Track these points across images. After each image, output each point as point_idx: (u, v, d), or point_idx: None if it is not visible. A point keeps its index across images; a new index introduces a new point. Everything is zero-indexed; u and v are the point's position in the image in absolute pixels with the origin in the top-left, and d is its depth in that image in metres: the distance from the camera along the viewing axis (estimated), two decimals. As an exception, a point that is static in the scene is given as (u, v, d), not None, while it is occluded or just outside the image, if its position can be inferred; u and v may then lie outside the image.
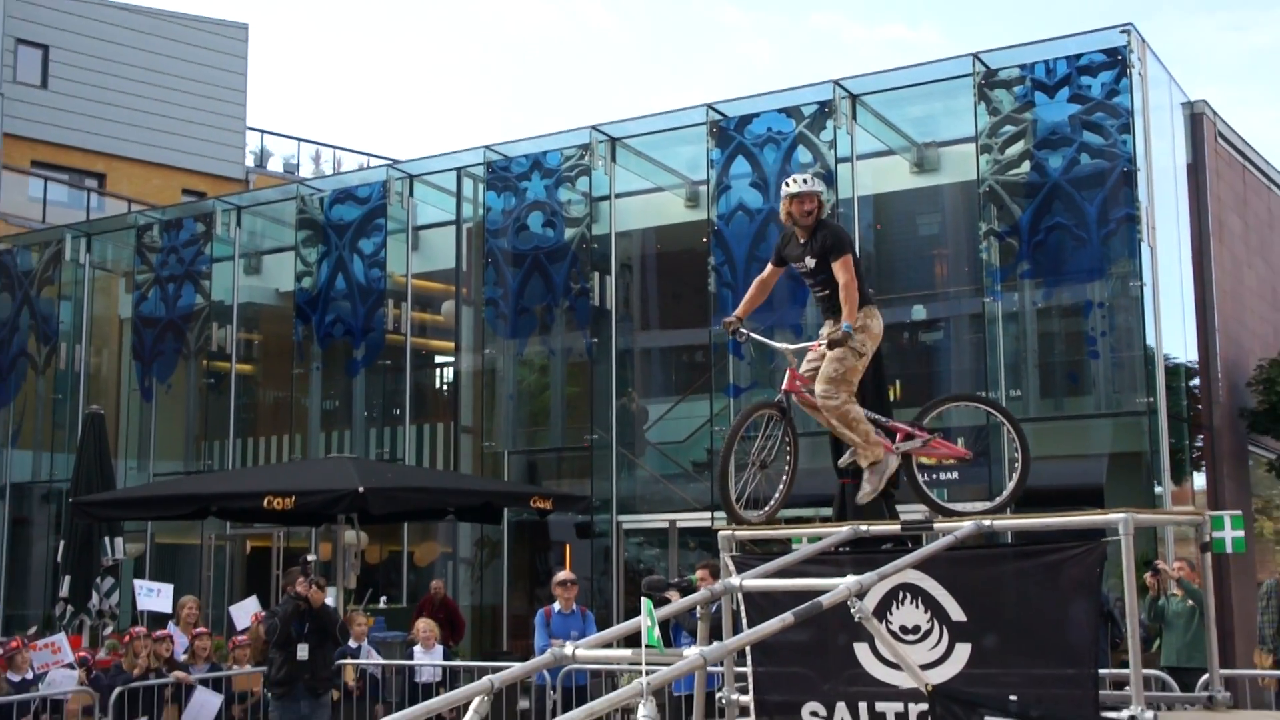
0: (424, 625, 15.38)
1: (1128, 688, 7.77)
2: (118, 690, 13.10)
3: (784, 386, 9.07)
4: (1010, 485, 9.22)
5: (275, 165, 40.59)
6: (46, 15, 34.25)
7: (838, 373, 8.75)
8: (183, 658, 14.76)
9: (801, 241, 9.09)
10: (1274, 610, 14.46)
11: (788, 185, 9.04)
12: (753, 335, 9.49)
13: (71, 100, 34.18)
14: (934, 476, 9.45)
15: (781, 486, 9.08)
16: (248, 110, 38.02)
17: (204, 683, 13.89)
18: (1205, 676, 9.42)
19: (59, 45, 34.36)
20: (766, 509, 9.03)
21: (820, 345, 8.87)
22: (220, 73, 36.86)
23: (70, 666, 14.19)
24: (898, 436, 9.09)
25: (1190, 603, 14.40)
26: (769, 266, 9.48)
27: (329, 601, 14.47)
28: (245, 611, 16.55)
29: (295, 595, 12.57)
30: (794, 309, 18.66)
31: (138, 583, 13.96)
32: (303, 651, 11.88)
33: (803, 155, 19.36)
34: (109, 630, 17.80)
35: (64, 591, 18.47)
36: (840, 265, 8.81)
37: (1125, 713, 7.49)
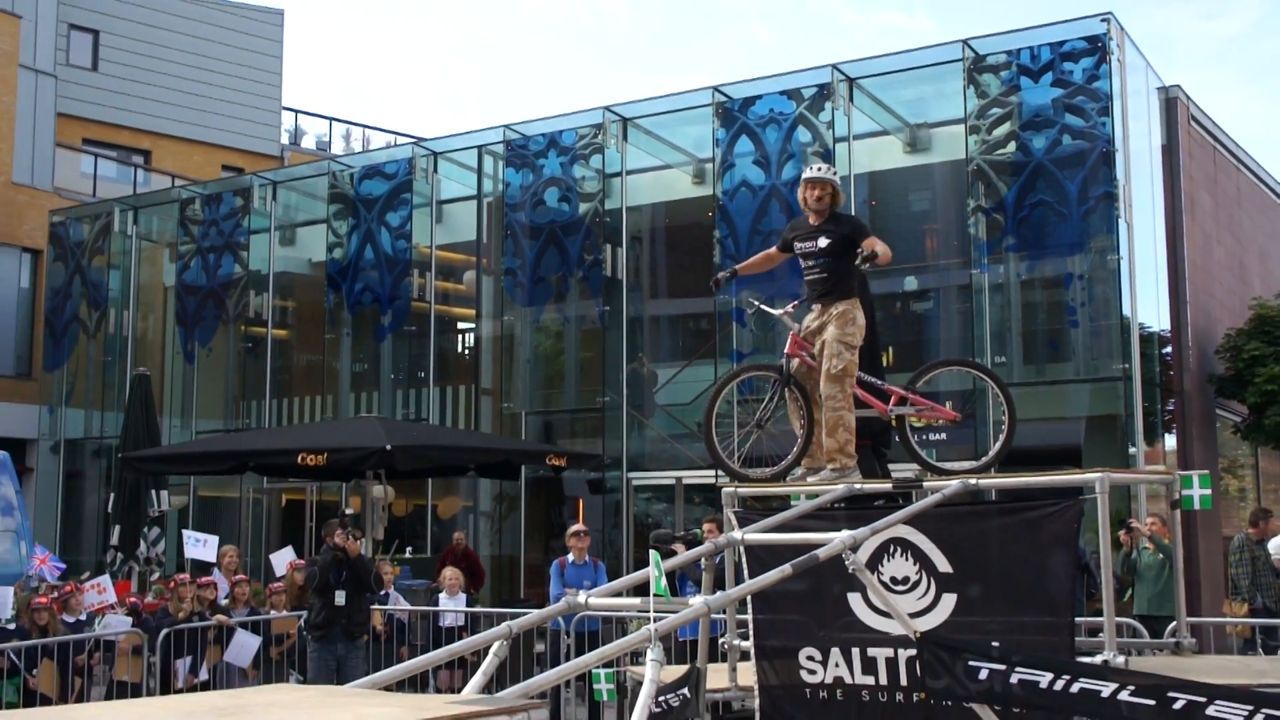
0: (450, 573, 15.39)
1: (1102, 635, 7.79)
2: (164, 632, 13.16)
3: (786, 350, 9.06)
4: (997, 445, 9.14)
5: (308, 143, 40.52)
6: (97, 2, 34.22)
7: (838, 369, 8.75)
8: (224, 602, 14.84)
9: (813, 224, 9.10)
10: (1247, 562, 14.47)
11: (807, 170, 9.13)
12: (761, 306, 9.47)
13: (120, 82, 34.15)
14: (923, 437, 9.41)
15: (798, 445, 9.04)
16: (283, 91, 37.96)
17: (243, 625, 13.95)
18: (1173, 624, 9.45)
19: (109, 30, 34.32)
20: (780, 465, 9.02)
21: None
22: (257, 56, 36.79)
23: (112, 608, 14.24)
24: (892, 399, 9.08)
25: (1161, 556, 14.41)
26: (775, 249, 9.52)
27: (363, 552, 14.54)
28: (282, 559, 16.60)
29: (334, 546, 12.60)
30: (793, 279, 18.61)
31: (186, 533, 14.03)
32: (340, 598, 11.94)
33: (802, 135, 19.32)
34: (155, 576, 17.86)
35: (114, 540, 18.56)
36: (868, 242, 8.77)
37: (1099, 657, 7.51)
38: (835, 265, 8.92)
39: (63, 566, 17.69)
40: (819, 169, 9.17)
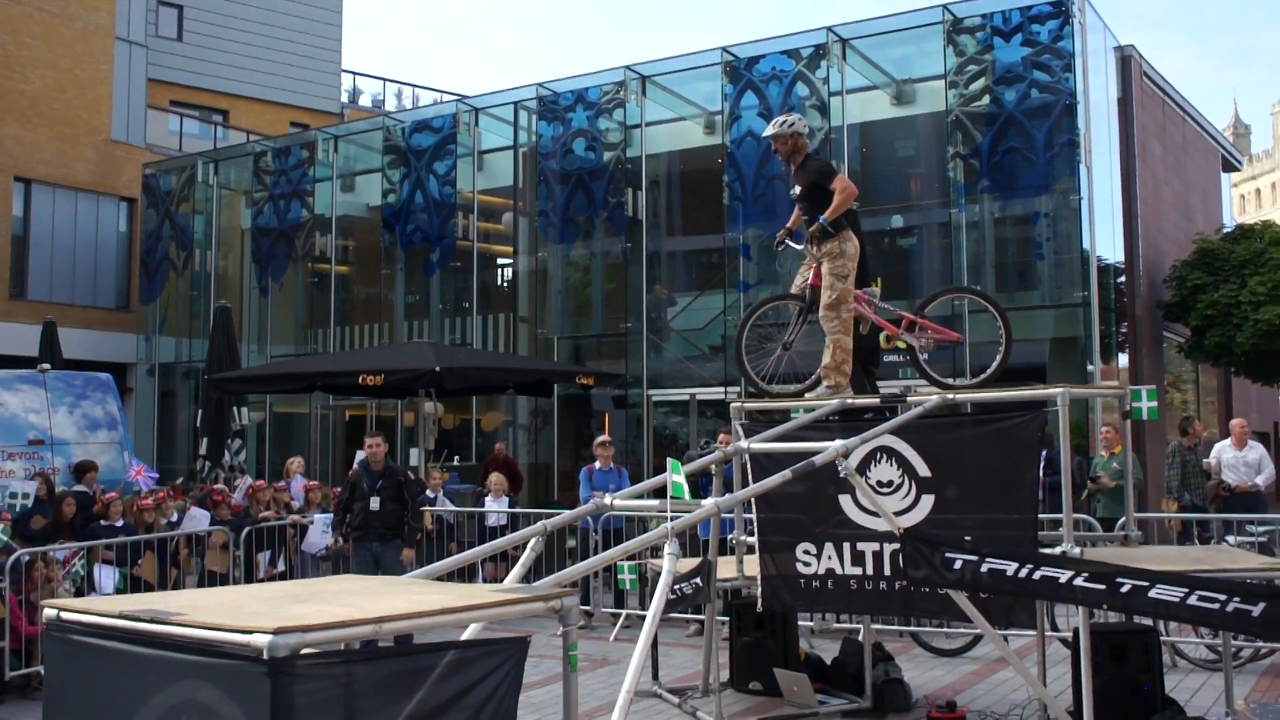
0: (496, 479, 15.39)
1: (1061, 529, 7.81)
2: (246, 529, 13.29)
3: (810, 281, 8.99)
4: (995, 361, 8.95)
5: (365, 101, 40.30)
6: (181, -20, 34.12)
7: (831, 299, 8.71)
8: (297, 505, 14.96)
9: (793, 171, 9.07)
10: (1177, 466, 14.47)
11: (767, 129, 9.02)
12: (789, 243, 9.36)
13: (202, 50, 34.01)
14: (907, 357, 9.34)
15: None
16: (342, 56, 37.74)
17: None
18: (1123, 520, 9.46)
19: (191, 5, 34.11)
20: (807, 382, 8.98)
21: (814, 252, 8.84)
22: (320, 25, 36.52)
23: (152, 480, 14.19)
24: (902, 324, 9.04)
25: (1116, 466, 14.34)
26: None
27: (413, 462, 14.54)
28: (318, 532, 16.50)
29: (362, 461, 12.60)
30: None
31: (319, 517, 13.96)
32: (374, 503, 11.89)
33: (801, 90, 19.17)
34: (238, 482, 18.02)
35: (202, 451, 18.70)
36: (837, 181, 8.74)
37: (1058, 549, 7.53)
38: (813, 208, 8.85)
39: (155, 475, 17.83)
40: (774, 126, 9.03)
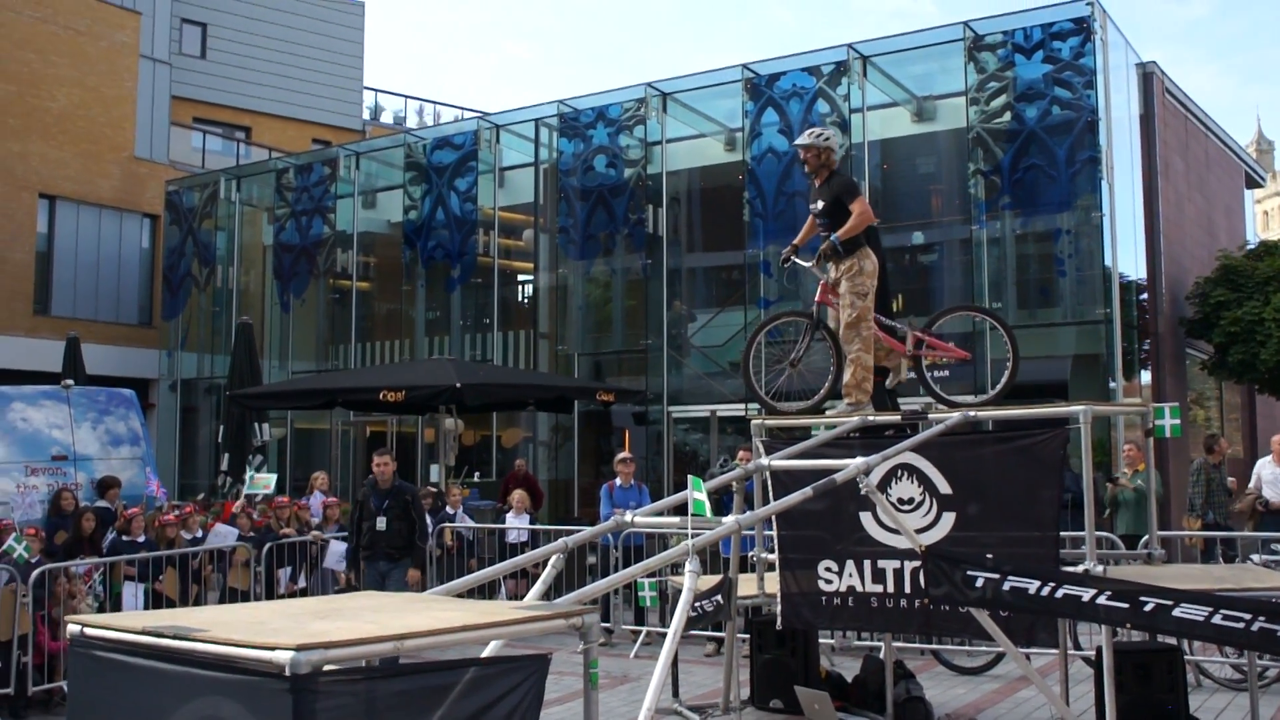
0: (518, 495, 15.39)
1: (1083, 547, 7.77)
2: (267, 545, 13.32)
3: (816, 298, 9.00)
4: (1003, 379, 8.93)
5: (387, 118, 40.51)
6: (206, -1, 34.48)
7: (851, 317, 8.71)
8: (316, 521, 14.99)
9: (816, 185, 9.04)
10: (1202, 484, 14.43)
11: (798, 139, 9.01)
12: (796, 260, 9.35)
13: (225, 68, 34.31)
14: (930, 374, 9.30)
15: (829, 380, 8.97)
16: (364, 73, 37.97)
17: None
18: (1145, 537, 9.41)
19: (215, 23, 34.45)
20: (814, 399, 8.97)
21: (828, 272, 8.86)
22: (341, 43, 36.79)
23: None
24: (910, 340, 9.01)
25: (1140, 482, 14.29)
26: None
27: (434, 478, 14.56)
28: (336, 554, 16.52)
29: (369, 480, 12.61)
30: (815, 240, 18.54)
31: (334, 543, 13.97)
32: (381, 523, 11.85)
33: (822, 107, 19.17)
34: (259, 497, 18.06)
35: (224, 466, 18.76)
36: (857, 203, 8.74)
37: (1080, 567, 7.50)
38: (833, 224, 8.84)
39: (166, 492, 17.81)
40: (807, 135, 9.00)
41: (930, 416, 8.26)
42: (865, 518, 8.30)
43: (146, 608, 11.61)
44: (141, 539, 12.60)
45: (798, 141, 9.01)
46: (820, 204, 8.94)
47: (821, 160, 8.95)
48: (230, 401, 18.02)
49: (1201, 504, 14.32)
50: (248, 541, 13.30)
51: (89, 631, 4.23)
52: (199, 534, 13.62)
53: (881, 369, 9.17)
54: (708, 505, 6.30)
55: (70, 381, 16.84)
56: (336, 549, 13.91)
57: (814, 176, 9.04)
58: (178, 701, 3.83)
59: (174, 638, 3.88)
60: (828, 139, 8.96)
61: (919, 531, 7.84)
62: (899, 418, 8.64)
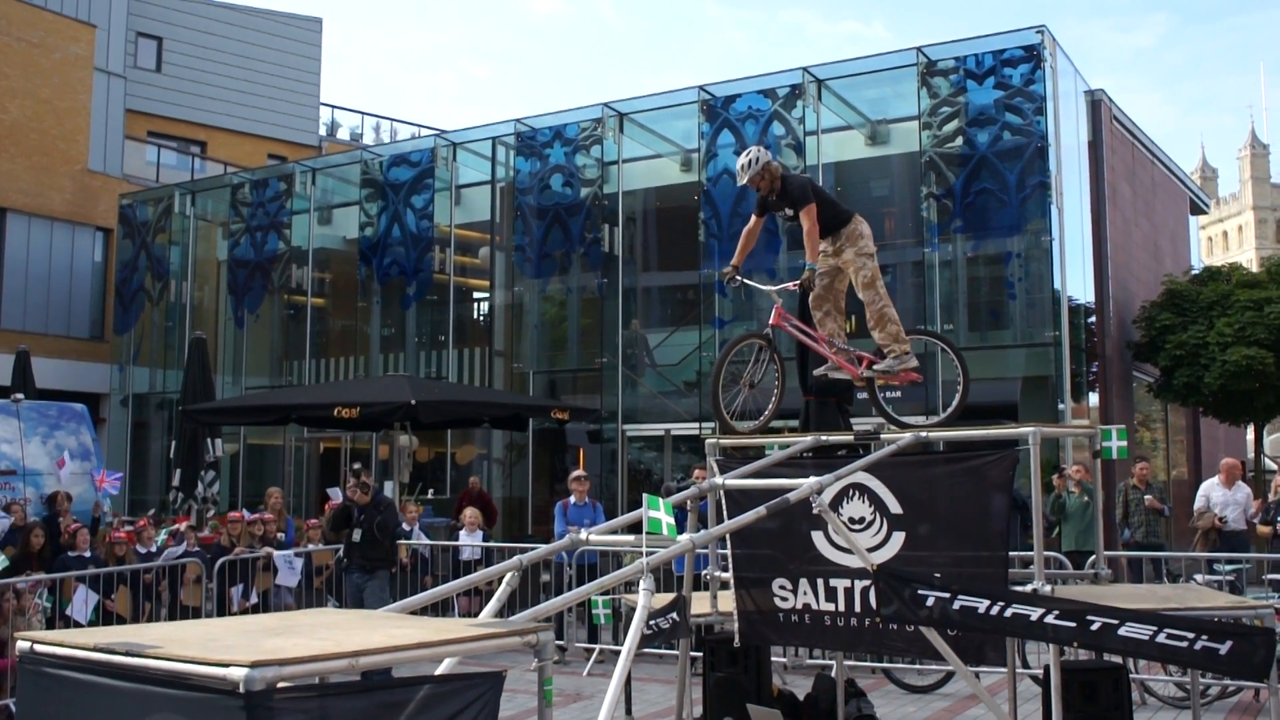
0: (471, 513, 15.37)
1: (1032, 567, 7.84)
2: (220, 562, 13.21)
3: (771, 321, 8.98)
4: (954, 402, 9.02)
5: (343, 134, 40.40)
6: (161, 12, 34.16)
7: (867, 277, 8.75)
8: (278, 537, 14.86)
9: (776, 198, 9.01)
10: (1122, 505, 15.03)
11: (739, 177, 8.89)
12: (745, 281, 9.35)
13: (180, 82, 34.12)
14: (882, 395, 9.35)
15: (773, 402, 9.00)
16: (321, 89, 37.89)
17: (288, 560, 13.98)
18: (1093, 557, 9.51)
19: (170, 37, 34.26)
20: (760, 419, 8.98)
21: (795, 285, 8.85)
22: (299, 59, 36.66)
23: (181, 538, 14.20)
24: (863, 364, 9.05)
25: (1085, 499, 14.53)
26: (753, 218, 9.14)
27: (387, 494, 14.55)
28: (336, 495, 16.50)
29: (347, 498, 12.67)
30: (768, 255, 18.68)
31: (277, 555, 13.83)
32: (355, 535, 12.00)
33: (777, 129, 19.30)
34: (211, 514, 17.90)
35: (175, 482, 18.54)
36: (804, 214, 8.68)
37: (1029, 586, 7.55)
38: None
39: (120, 476, 17.58)
40: (743, 172, 8.74)
41: (883, 437, 8.31)
42: (817, 537, 8.31)
43: (96, 622, 11.47)
44: (88, 554, 12.45)
45: (741, 182, 8.84)
46: (789, 211, 8.94)
47: (769, 177, 8.88)
48: (183, 417, 17.85)
49: (1120, 521, 14.84)
50: (196, 557, 13.17)
51: (39, 648, 4.17)
52: (153, 549, 13.48)
53: (841, 383, 9.21)
54: (664, 523, 6.27)
55: (20, 396, 16.65)
56: (287, 565, 13.81)
57: (772, 194, 9.02)
58: (130, 719, 3.80)
59: (126, 654, 3.84)
60: (759, 159, 8.78)
61: (870, 550, 7.87)
62: (851, 438, 8.69)
